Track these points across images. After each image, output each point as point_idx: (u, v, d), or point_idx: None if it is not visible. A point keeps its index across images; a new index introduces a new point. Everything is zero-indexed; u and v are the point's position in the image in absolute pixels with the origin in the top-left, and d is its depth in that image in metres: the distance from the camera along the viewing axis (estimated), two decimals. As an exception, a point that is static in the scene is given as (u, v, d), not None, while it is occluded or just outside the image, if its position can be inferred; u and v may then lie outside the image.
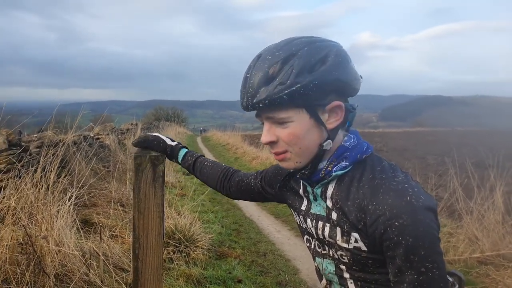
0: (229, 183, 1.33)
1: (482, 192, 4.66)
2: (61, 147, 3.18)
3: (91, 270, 2.65)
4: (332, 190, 0.96)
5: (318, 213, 1.01)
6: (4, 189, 2.90)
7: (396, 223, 0.81)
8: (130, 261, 3.12)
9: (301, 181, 1.06)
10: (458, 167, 5.21)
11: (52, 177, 2.93)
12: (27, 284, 2.25)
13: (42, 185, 2.86)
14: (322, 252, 1.04)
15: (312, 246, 1.08)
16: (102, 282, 2.63)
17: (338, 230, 0.95)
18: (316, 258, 1.08)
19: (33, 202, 2.73)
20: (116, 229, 3.60)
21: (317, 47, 0.91)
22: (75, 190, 3.12)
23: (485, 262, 4.00)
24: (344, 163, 0.94)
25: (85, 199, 3.84)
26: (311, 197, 1.04)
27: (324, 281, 1.09)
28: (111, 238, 3.43)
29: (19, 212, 2.56)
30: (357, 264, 0.95)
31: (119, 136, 9.69)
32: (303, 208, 1.07)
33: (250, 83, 0.92)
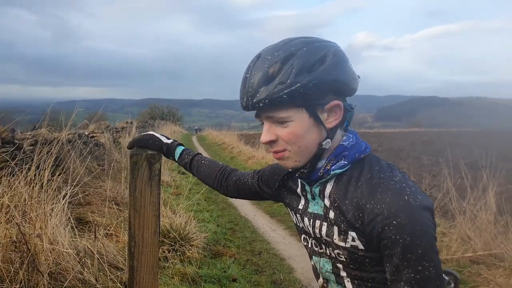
0: (226, 182, 1.34)
1: (475, 192, 4.70)
2: (56, 145, 3.16)
3: (85, 268, 2.65)
4: (330, 189, 0.97)
5: (315, 212, 1.02)
6: (-3, 187, 2.88)
7: (394, 222, 0.82)
8: (125, 260, 3.12)
9: (299, 180, 1.07)
10: (452, 168, 5.25)
11: (46, 175, 2.91)
12: (20, 283, 2.24)
13: (36, 183, 2.85)
14: (319, 251, 1.05)
15: (309, 245, 1.09)
16: (96, 280, 2.63)
17: (335, 229, 0.96)
18: (313, 257, 1.09)
19: (27, 200, 2.71)
20: (110, 227, 3.60)
21: (316, 47, 0.92)
22: (70, 189, 3.11)
23: (477, 262, 4.04)
24: (342, 162, 0.95)
25: (80, 197, 3.83)
26: (308, 196, 1.04)
27: (321, 280, 1.10)
28: (106, 237, 3.42)
29: (12, 210, 2.54)
30: (354, 263, 0.95)
31: (114, 134, 9.65)
32: (300, 207, 1.08)
33: (250, 83, 0.93)
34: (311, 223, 1.03)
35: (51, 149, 3.23)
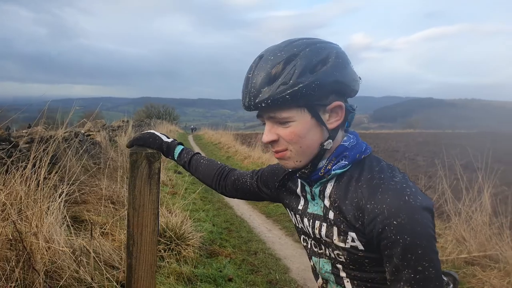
0: (224, 182, 1.34)
1: (470, 193, 4.73)
2: (52, 143, 3.15)
3: (81, 267, 2.64)
4: (330, 189, 0.97)
5: (315, 213, 1.02)
6: (-7, 184, 2.86)
7: (394, 222, 0.83)
8: (121, 259, 3.11)
9: (299, 180, 1.07)
10: (448, 169, 5.28)
11: (42, 173, 2.90)
12: (16, 281, 2.22)
13: (33, 181, 2.83)
14: (319, 251, 1.05)
15: (309, 246, 1.09)
16: (92, 279, 2.61)
17: (335, 229, 0.96)
18: (313, 257, 1.09)
19: (23, 198, 2.70)
20: (107, 226, 3.58)
21: (318, 48, 0.92)
22: (66, 187, 3.09)
23: (472, 263, 4.07)
24: (343, 162, 0.95)
25: (76, 196, 3.81)
26: (308, 196, 1.04)
27: (320, 280, 1.10)
28: (102, 236, 3.41)
29: (9, 208, 2.53)
30: (353, 263, 0.96)
31: (110, 133, 9.62)
32: (299, 207, 1.08)
33: (252, 83, 0.92)
34: (310, 224, 1.03)
35: (47, 147, 3.21)
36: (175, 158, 1.36)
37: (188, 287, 3.38)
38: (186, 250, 3.97)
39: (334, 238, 0.97)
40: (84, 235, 3.22)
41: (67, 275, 2.48)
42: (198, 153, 1.40)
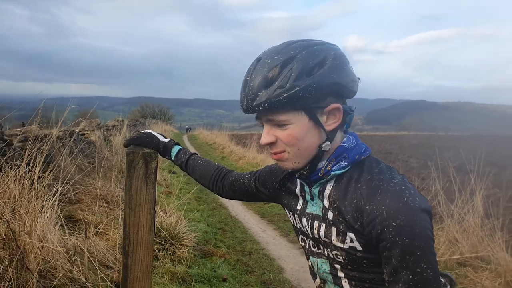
0: (222, 183, 1.34)
1: (463, 195, 4.78)
2: (47, 142, 3.13)
3: (75, 267, 2.63)
4: (330, 190, 0.98)
5: (314, 213, 1.03)
6: (-14, 183, 2.84)
7: (393, 224, 0.83)
8: (115, 258, 3.10)
9: (298, 180, 1.07)
10: (441, 171, 5.33)
11: (37, 172, 2.88)
12: (9, 280, 2.21)
13: (26, 180, 2.82)
14: (317, 251, 1.06)
15: (307, 246, 1.10)
16: (86, 279, 2.60)
17: (334, 229, 0.97)
18: (311, 257, 1.09)
19: (17, 197, 2.68)
20: (101, 226, 3.57)
21: (315, 50, 0.92)
22: (60, 186, 3.08)
23: (464, 264, 4.10)
24: (343, 163, 0.96)
25: (71, 195, 3.79)
26: (307, 196, 1.05)
27: (318, 280, 1.11)
28: (96, 235, 3.40)
29: (2, 206, 2.51)
30: (352, 264, 0.96)
31: (105, 132, 9.57)
32: (298, 207, 1.08)
33: (250, 86, 0.93)
34: (309, 224, 1.04)
35: (41, 146, 3.20)
36: (172, 158, 1.35)
37: (183, 287, 3.38)
38: (181, 250, 3.97)
39: (332, 238, 0.97)
40: (78, 234, 3.20)
41: (60, 275, 2.47)
42: (196, 153, 1.40)
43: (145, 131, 1.37)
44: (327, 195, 0.98)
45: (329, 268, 1.03)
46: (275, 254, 4.74)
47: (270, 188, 1.21)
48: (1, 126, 5.35)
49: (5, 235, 2.40)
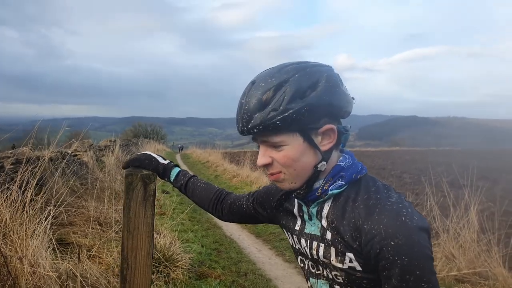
0: (221, 206, 1.33)
1: (457, 210, 4.79)
2: (40, 164, 3.09)
3: (67, 292, 2.56)
4: (328, 209, 0.98)
5: (312, 233, 1.02)
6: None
7: (392, 243, 0.83)
8: (108, 282, 3.03)
9: (296, 200, 1.07)
10: (434, 186, 5.35)
11: (29, 195, 2.84)
12: (0, 308, 2.15)
13: (18, 203, 2.77)
14: (316, 272, 1.05)
15: (306, 267, 1.09)
16: (79, 304, 2.54)
17: (333, 250, 0.96)
18: (310, 278, 1.08)
19: (8, 221, 2.63)
20: (93, 248, 3.50)
21: (308, 73, 0.94)
22: (53, 209, 3.02)
23: (462, 280, 4.08)
24: (340, 182, 0.96)
25: (63, 218, 3.72)
26: (305, 216, 1.04)
27: None
28: (89, 258, 3.32)
29: (-7, 231, 2.46)
30: (351, 284, 0.95)
31: (97, 153, 9.49)
32: (296, 228, 1.08)
33: (244, 109, 0.94)
34: (308, 244, 1.03)
35: (34, 169, 3.16)
36: (172, 181, 1.34)
37: (178, 311, 3.30)
38: (175, 272, 3.89)
39: (332, 258, 0.97)
40: (70, 258, 3.13)
41: (52, 301, 2.41)
42: (195, 175, 1.40)
43: (144, 152, 1.36)
44: (325, 215, 0.98)
45: None
46: (271, 274, 4.67)
47: (268, 209, 1.20)
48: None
49: (-5, 260, 2.34)
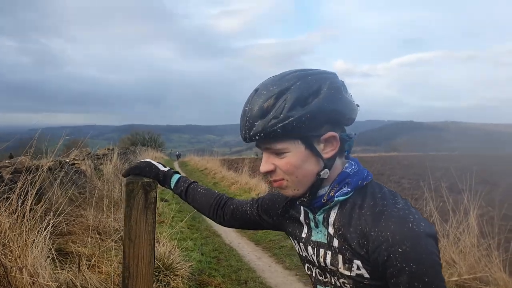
0: (222, 211, 1.33)
1: (457, 215, 4.78)
2: (40, 174, 3.09)
3: (67, 302, 2.54)
4: (334, 216, 0.97)
5: (319, 240, 1.02)
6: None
7: (399, 250, 0.83)
8: (108, 292, 3.01)
9: (302, 207, 1.07)
10: (433, 191, 5.34)
11: (28, 205, 2.83)
12: (-1, 319, 2.13)
13: (18, 213, 2.76)
14: (324, 280, 1.04)
15: (313, 274, 1.08)
16: (78, 314, 2.52)
17: (340, 257, 0.96)
18: (318, 286, 1.08)
19: (8, 231, 2.61)
20: (93, 258, 3.47)
21: (310, 81, 0.94)
22: (52, 219, 3.01)
23: (463, 286, 4.06)
24: (346, 189, 0.96)
25: (62, 227, 3.71)
26: (312, 224, 1.04)
27: None
28: (88, 268, 3.30)
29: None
30: None
31: (95, 161, 9.47)
32: (303, 235, 1.07)
33: (247, 116, 0.96)
34: (315, 252, 1.03)
35: (33, 178, 3.15)
36: (172, 187, 1.34)
37: (178, 320, 3.28)
38: (175, 281, 3.87)
39: (339, 266, 0.96)
40: (70, 268, 3.11)
41: (52, 311, 2.39)
42: (195, 182, 1.39)
43: (144, 160, 1.37)
44: (332, 222, 0.98)
45: None
46: (271, 282, 4.65)
47: (273, 216, 1.20)
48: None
49: (-5, 271, 2.33)
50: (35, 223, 2.91)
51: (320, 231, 1.02)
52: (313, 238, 1.04)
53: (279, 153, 0.95)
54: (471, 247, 4.38)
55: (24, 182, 3.01)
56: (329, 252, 0.98)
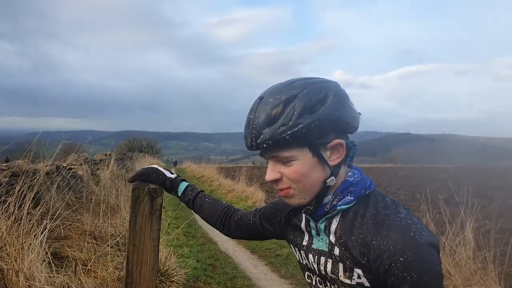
0: (229, 222, 1.33)
1: (453, 227, 4.79)
2: (38, 178, 3.08)
3: (62, 307, 2.52)
4: (336, 225, 0.98)
5: (320, 248, 1.02)
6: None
7: (401, 259, 0.83)
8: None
9: (303, 215, 1.07)
10: (430, 203, 5.36)
11: (26, 209, 2.82)
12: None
13: (16, 218, 2.75)
14: None
15: (314, 283, 1.08)
16: (74, 320, 2.50)
17: (341, 266, 0.96)
18: None
19: (5, 234, 2.60)
20: (89, 262, 3.46)
21: (316, 88, 0.95)
22: (49, 223, 3.00)
23: (458, 298, 4.06)
24: (349, 197, 0.96)
25: (59, 231, 3.69)
26: (313, 232, 1.04)
27: None
28: (84, 273, 3.28)
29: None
30: None
31: (92, 166, 9.45)
32: (304, 243, 1.07)
33: (253, 124, 0.95)
34: (315, 260, 1.03)
35: (30, 182, 3.14)
36: (179, 195, 1.34)
37: (173, 328, 3.25)
38: (171, 287, 3.85)
39: (340, 274, 0.96)
40: (65, 272, 3.09)
41: (48, 316, 2.37)
42: (202, 191, 1.39)
43: (151, 166, 1.36)
44: (333, 230, 0.98)
45: None
46: (267, 290, 4.63)
47: (275, 224, 1.20)
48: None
49: (-9, 274, 2.31)
50: (32, 226, 2.89)
51: (322, 239, 1.02)
52: (314, 246, 1.04)
53: (286, 161, 0.95)
54: (467, 260, 4.38)
55: (22, 186, 3.00)
56: (330, 260, 0.98)
